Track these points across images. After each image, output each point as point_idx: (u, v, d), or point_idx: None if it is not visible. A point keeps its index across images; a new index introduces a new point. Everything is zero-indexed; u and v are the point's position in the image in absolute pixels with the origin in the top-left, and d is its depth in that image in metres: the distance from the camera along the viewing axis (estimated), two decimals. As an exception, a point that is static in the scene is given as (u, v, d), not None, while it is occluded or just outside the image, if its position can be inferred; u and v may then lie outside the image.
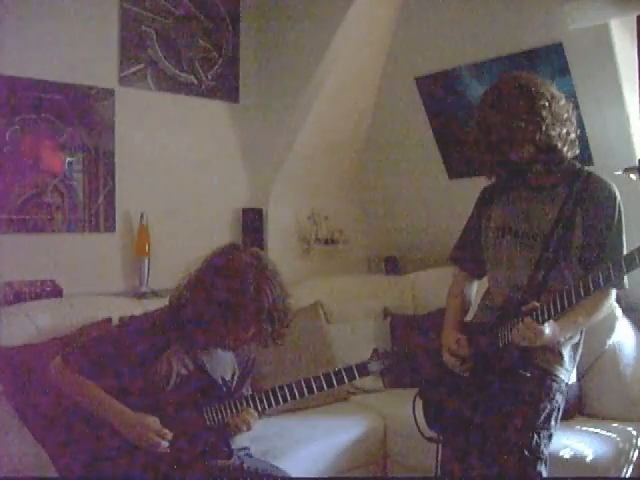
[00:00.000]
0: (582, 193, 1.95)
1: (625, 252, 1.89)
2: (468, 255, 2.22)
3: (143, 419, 1.82)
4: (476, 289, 2.27)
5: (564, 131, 1.93)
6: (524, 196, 2.04)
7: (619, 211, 1.95)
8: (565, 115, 1.94)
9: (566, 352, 2.00)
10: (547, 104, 1.90)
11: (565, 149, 1.95)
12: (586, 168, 2.04)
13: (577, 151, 2.00)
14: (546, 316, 1.85)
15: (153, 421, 1.83)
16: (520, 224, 2.03)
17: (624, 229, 1.96)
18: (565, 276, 1.96)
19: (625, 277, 1.93)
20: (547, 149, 1.93)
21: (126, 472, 1.82)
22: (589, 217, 1.93)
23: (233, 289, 1.84)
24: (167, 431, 1.83)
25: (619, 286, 1.95)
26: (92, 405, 1.84)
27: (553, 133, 1.91)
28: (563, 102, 1.96)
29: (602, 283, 1.78)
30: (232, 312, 1.85)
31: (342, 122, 3.69)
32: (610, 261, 1.80)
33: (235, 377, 2.08)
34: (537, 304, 1.88)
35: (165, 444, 1.81)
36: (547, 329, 1.85)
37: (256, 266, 1.88)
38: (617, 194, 1.95)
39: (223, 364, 2.04)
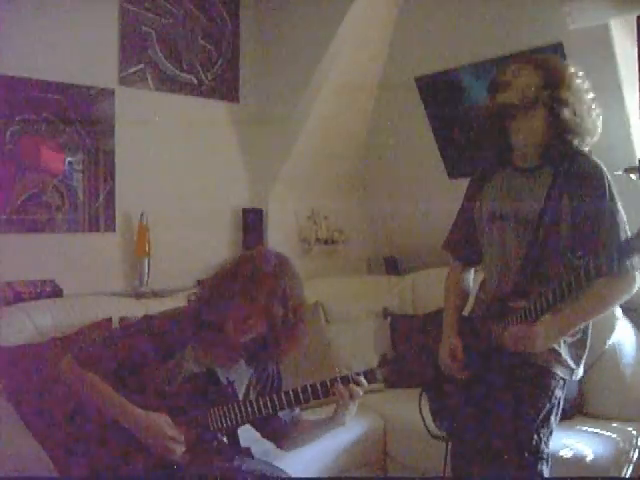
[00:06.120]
0: (568, 172, 1.86)
1: (629, 233, 1.77)
2: (461, 241, 2.15)
3: (157, 423, 1.80)
4: (473, 276, 2.21)
5: (577, 120, 1.85)
6: (511, 179, 1.98)
7: (609, 189, 1.82)
8: (584, 96, 1.86)
9: (563, 349, 1.93)
10: (566, 91, 1.83)
11: (577, 137, 1.87)
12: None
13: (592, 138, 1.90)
14: (534, 316, 1.81)
15: (168, 425, 1.81)
16: (509, 208, 1.95)
17: (619, 208, 1.83)
18: (557, 264, 1.88)
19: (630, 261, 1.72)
20: (559, 134, 1.87)
21: (126, 471, 1.81)
22: (576, 197, 1.83)
23: (253, 268, 1.89)
24: (182, 436, 1.81)
25: (622, 270, 1.72)
26: (104, 404, 1.82)
27: (564, 117, 1.84)
28: (584, 85, 1.89)
29: (593, 274, 1.65)
30: (247, 284, 1.87)
31: (342, 122, 3.69)
32: (604, 246, 1.69)
33: (251, 389, 2.05)
34: (524, 303, 1.84)
35: (181, 450, 1.80)
36: (539, 328, 1.80)
37: (279, 259, 1.94)
38: (605, 172, 1.85)
39: (239, 374, 2.01)
